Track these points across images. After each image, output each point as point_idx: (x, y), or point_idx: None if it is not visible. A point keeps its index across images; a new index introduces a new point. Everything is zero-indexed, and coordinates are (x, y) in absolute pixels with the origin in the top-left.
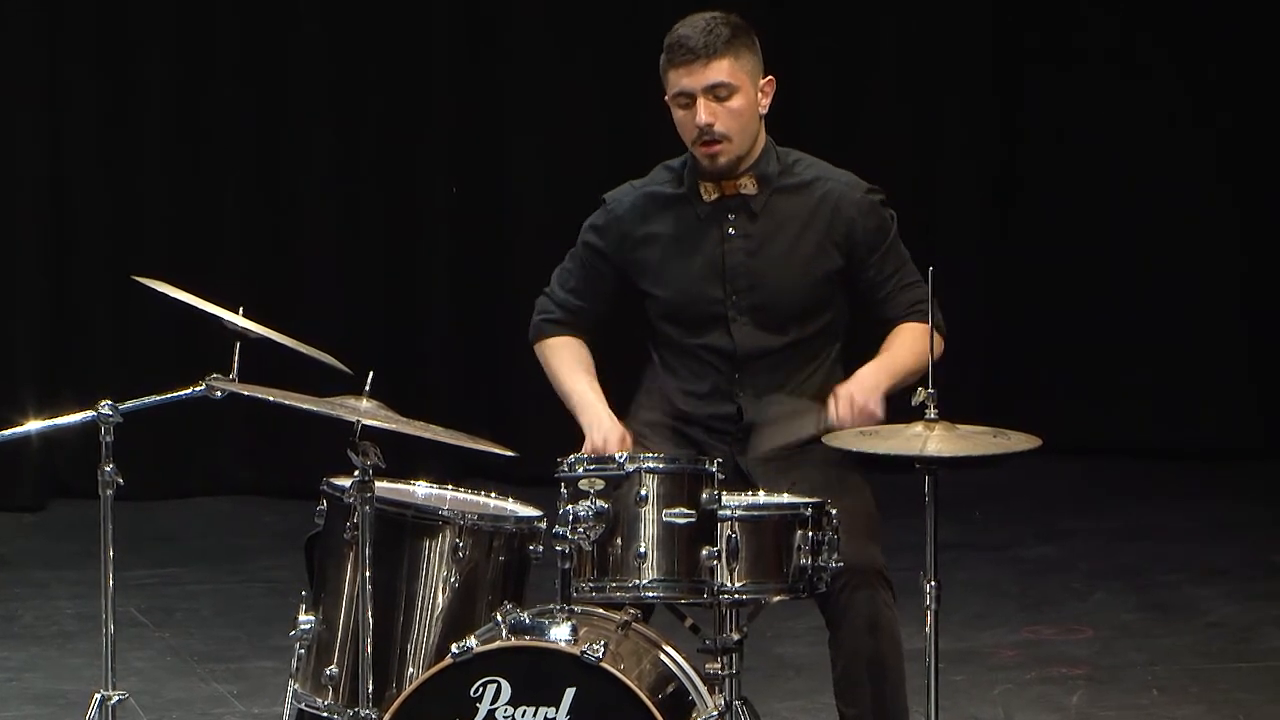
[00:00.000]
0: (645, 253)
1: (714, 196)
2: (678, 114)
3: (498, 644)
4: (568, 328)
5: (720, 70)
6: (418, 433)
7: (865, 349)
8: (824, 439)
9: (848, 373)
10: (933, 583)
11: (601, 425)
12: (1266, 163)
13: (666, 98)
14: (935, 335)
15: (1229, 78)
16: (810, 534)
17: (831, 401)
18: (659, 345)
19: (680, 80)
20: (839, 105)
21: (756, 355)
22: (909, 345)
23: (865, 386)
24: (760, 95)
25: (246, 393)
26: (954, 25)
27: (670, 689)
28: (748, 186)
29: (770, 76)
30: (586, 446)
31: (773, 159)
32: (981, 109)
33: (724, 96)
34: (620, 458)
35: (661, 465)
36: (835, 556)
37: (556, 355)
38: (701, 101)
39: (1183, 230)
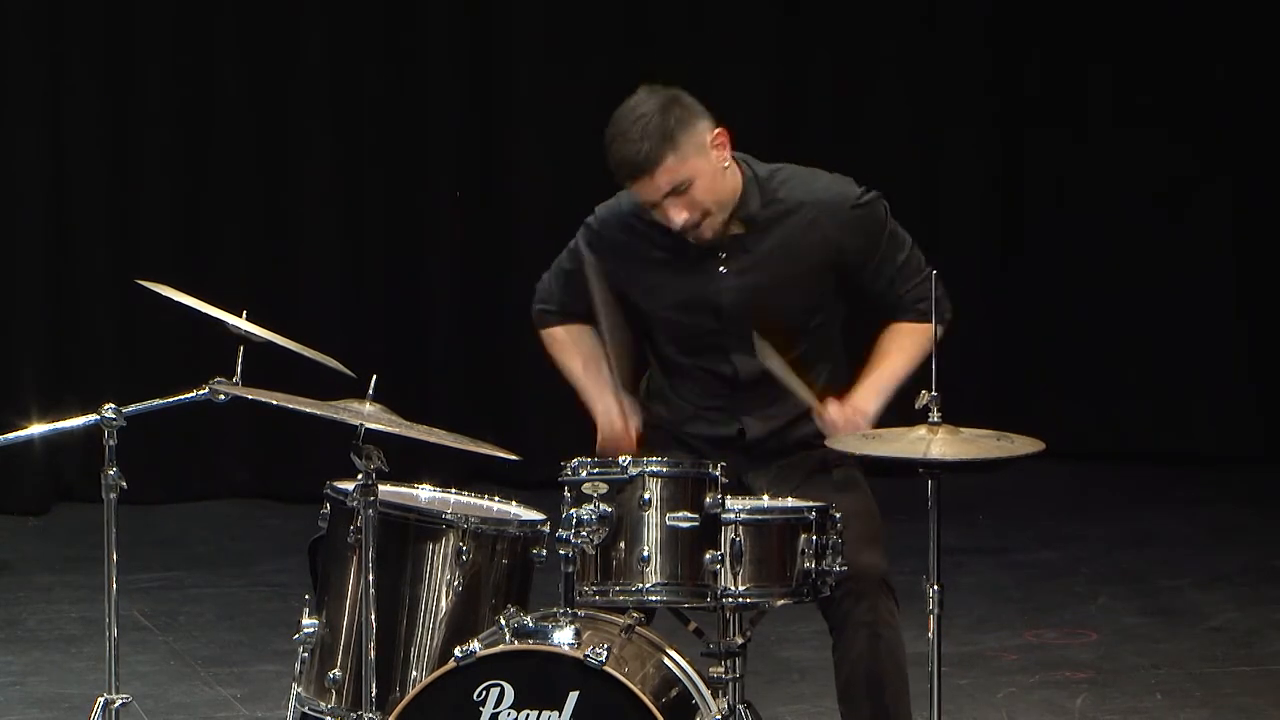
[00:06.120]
0: (639, 273)
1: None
2: (653, 213)
3: (501, 648)
4: (567, 318)
5: (668, 172)
6: (421, 436)
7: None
8: (827, 442)
9: (851, 375)
10: (936, 586)
11: (610, 415)
12: (1265, 163)
13: None
14: (940, 322)
15: (1228, 72)
16: (814, 538)
17: (819, 420)
18: (659, 360)
19: (639, 193)
20: (841, 106)
21: (758, 378)
22: (902, 349)
23: (856, 409)
24: (715, 154)
25: (250, 396)
26: (955, 28)
27: (674, 693)
28: (735, 229)
29: (720, 129)
30: (599, 438)
31: (754, 196)
32: (984, 113)
33: (684, 189)
34: (624, 461)
35: (665, 469)
36: (839, 560)
37: (561, 348)
38: (668, 204)
39: (1184, 234)
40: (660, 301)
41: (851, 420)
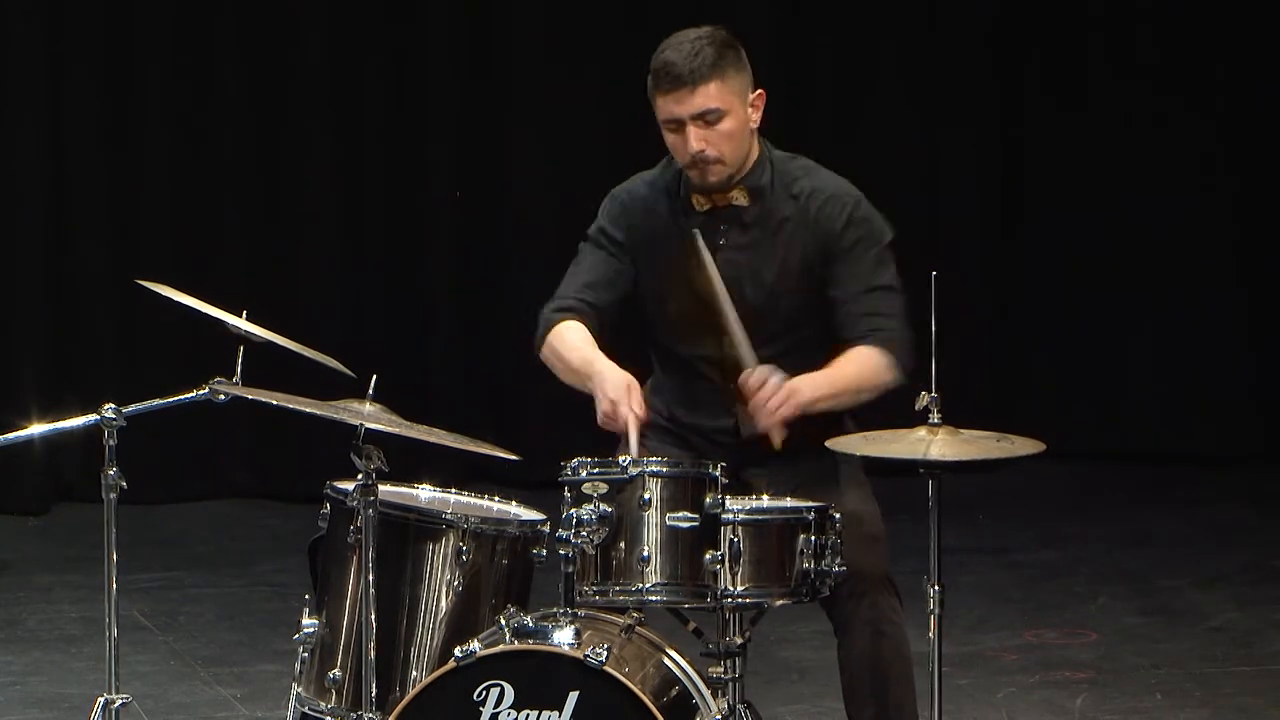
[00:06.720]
0: (649, 247)
1: (706, 208)
2: (668, 137)
3: (501, 648)
4: (576, 313)
5: (708, 96)
6: (421, 436)
7: None
8: (827, 443)
9: None
10: (936, 587)
11: (612, 376)
12: (1266, 163)
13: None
14: (895, 366)
15: (1229, 72)
16: (813, 538)
17: (762, 382)
18: (656, 353)
19: (668, 107)
20: (842, 107)
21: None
22: (856, 367)
23: (789, 388)
24: (751, 110)
25: (250, 396)
26: (955, 28)
27: (674, 693)
28: (739, 199)
29: (760, 90)
30: (598, 405)
31: (766, 170)
32: (984, 113)
33: (714, 121)
34: (624, 461)
35: (665, 469)
36: (838, 560)
37: (561, 341)
38: (691, 128)
39: (1185, 235)
40: (660, 276)
41: (777, 398)
